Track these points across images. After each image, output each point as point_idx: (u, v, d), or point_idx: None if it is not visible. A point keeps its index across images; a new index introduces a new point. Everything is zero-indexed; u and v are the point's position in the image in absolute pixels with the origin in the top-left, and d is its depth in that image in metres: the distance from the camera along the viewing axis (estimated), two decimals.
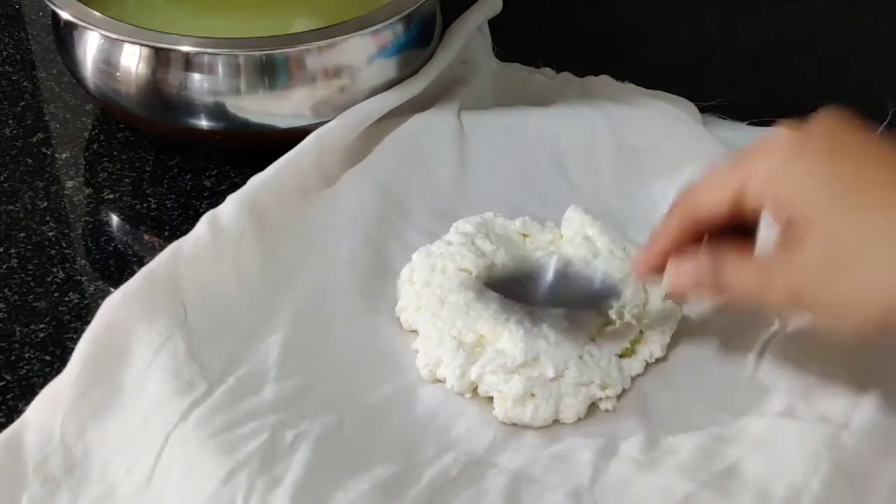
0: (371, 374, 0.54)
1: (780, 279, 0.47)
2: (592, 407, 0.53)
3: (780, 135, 0.48)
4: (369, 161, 0.65)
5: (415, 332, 0.56)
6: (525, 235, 0.60)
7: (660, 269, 0.52)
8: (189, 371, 0.52)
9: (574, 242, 0.59)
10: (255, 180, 0.61)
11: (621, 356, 0.55)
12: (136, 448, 0.50)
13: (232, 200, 0.60)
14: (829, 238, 0.45)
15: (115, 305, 0.54)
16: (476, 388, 0.53)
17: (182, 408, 0.50)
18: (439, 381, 0.54)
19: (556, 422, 0.53)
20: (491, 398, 0.53)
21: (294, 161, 0.63)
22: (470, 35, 0.74)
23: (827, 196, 0.45)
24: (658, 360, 0.55)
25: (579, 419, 0.53)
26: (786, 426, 0.51)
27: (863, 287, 0.44)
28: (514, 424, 0.52)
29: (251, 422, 0.50)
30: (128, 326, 0.53)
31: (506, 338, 0.53)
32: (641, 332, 0.56)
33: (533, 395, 0.52)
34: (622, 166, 0.66)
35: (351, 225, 0.61)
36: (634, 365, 0.55)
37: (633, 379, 0.54)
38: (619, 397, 0.54)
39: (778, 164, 0.47)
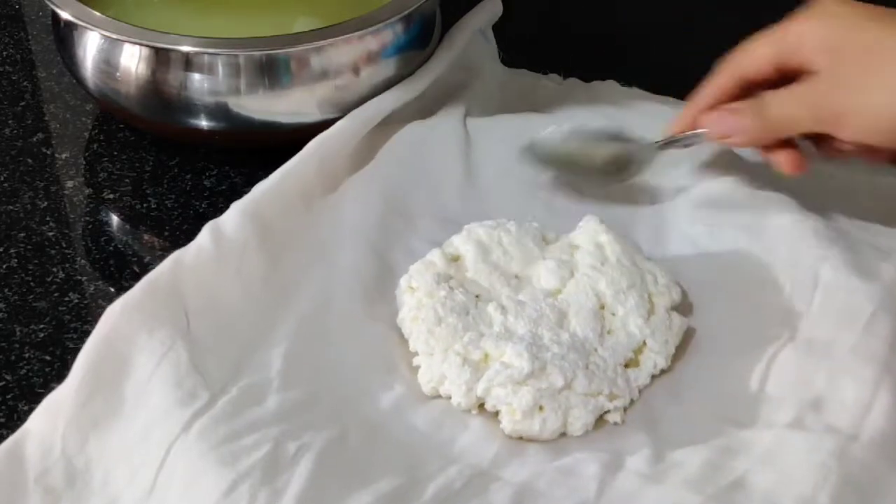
0: (374, 385, 0.53)
1: (818, 88, 0.54)
2: (599, 420, 0.52)
3: (814, 3, 0.55)
4: (373, 168, 0.64)
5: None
6: (546, 241, 0.59)
7: (694, 125, 0.58)
8: (191, 381, 0.51)
9: (586, 250, 0.58)
10: (258, 189, 0.60)
11: (626, 367, 0.54)
12: (137, 459, 0.49)
13: (234, 209, 0.59)
14: (859, 45, 0.53)
15: (116, 315, 0.53)
16: (482, 404, 0.52)
17: (184, 419, 0.49)
18: (441, 397, 0.53)
19: (562, 435, 0.52)
20: (496, 413, 0.52)
21: (296, 169, 0.62)
22: (470, 37, 0.73)
23: (859, 24, 0.53)
24: (664, 372, 0.55)
25: (586, 432, 0.52)
26: (794, 438, 0.50)
27: (889, 82, 0.52)
28: (521, 438, 0.51)
29: (253, 433, 0.49)
30: (129, 336, 0.52)
31: (510, 351, 0.52)
32: (645, 343, 0.55)
33: (541, 407, 0.51)
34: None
35: (355, 233, 0.60)
36: (641, 376, 0.54)
37: (641, 391, 0.54)
38: (625, 410, 0.53)
39: (817, 18, 0.54)
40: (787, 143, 0.58)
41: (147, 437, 0.49)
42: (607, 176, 0.62)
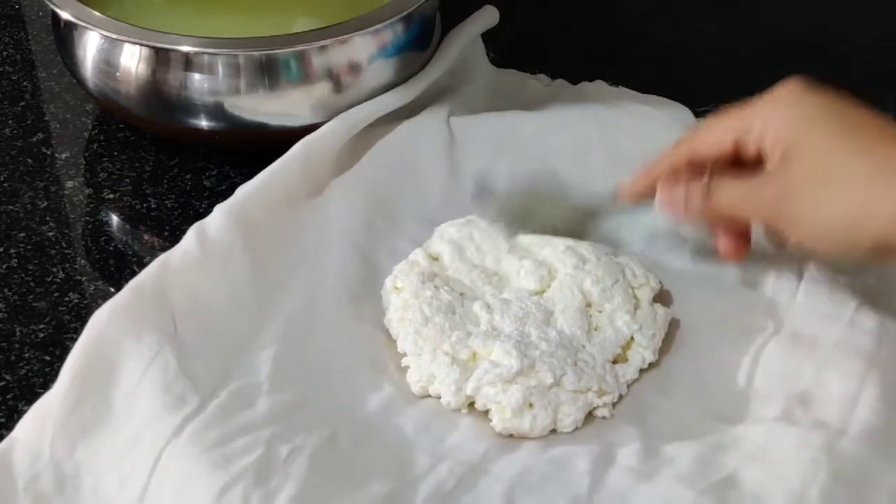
0: (364, 386, 0.53)
1: (768, 190, 0.51)
2: (588, 416, 0.52)
3: (781, 87, 0.53)
4: (358, 169, 0.64)
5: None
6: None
7: (646, 194, 0.57)
8: (180, 386, 0.50)
9: (556, 253, 0.58)
10: (242, 191, 0.60)
11: (614, 362, 0.54)
12: (128, 465, 0.49)
13: (219, 211, 0.58)
14: (816, 153, 0.50)
15: (103, 320, 0.52)
16: (471, 402, 0.52)
17: (174, 423, 0.49)
18: (431, 396, 0.53)
19: (552, 432, 0.52)
20: (486, 411, 0.52)
21: (281, 170, 0.61)
22: (465, 45, 0.72)
23: (820, 125, 0.51)
24: (652, 366, 0.55)
25: (576, 428, 0.52)
26: (783, 433, 0.50)
27: (841, 198, 0.49)
28: (511, 436, 0.51)
29: (245, 436, 0.49)
30: (117, 341, 0.52)
31: (498, 349, 0.52)
32: (632, 338, 0.55)
33: (531, 404, 0.51)
34: (615, 173, 0.63)
35: (340, 234, 0.60)
36: (629, 371, 0.54)
37: (629, 386, 0.54)
38: (614, 405, 0.53)
39: (781, 108, 0.52)
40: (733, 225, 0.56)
41: (137, 443, 0.49)
42: (565, 233, 0.60)
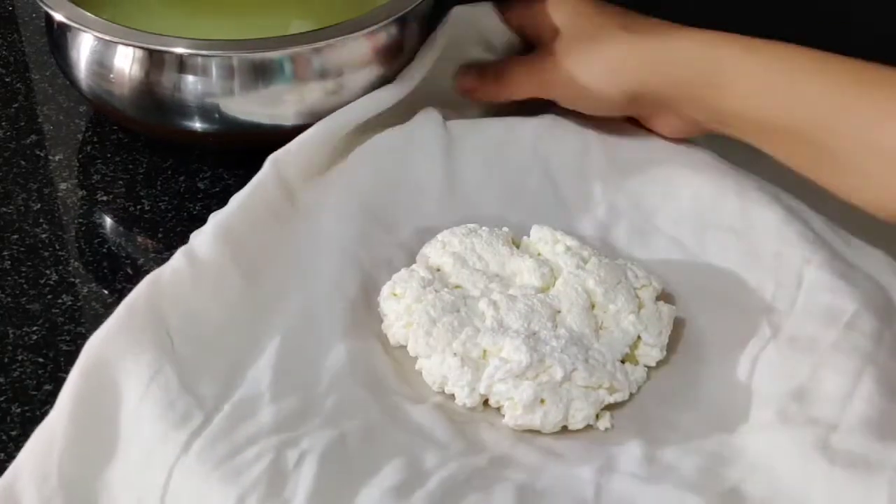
0: (363, 392, 0.53)
1: (547, 60, 0.65)
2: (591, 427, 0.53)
3: None
4: (352, 175, 0.63)
5: (403, 346, 0.55)
6: (516, 244, 0.60)
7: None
8: (183, 402, 0.50)
9: (556, 253, 0.58)
10: (231, 205, 0.59)
11: (622, 362, 0.54)
12: (140, 486, 0.48)
13: (209, 227, 0.57)
14: (579, 25, 0.64)
15: (99, 342, 0.51)
16: (486, 400, 0.53)
17: (181, 440, 0.48)
18: (443, 394, 0.53)
19: (563, 428, 0.52)
20: (497, 408, 0.53)
21: (267, 180, 0.60)
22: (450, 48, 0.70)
23: (574, 24, 0.64)
24: (660, 364, 0.55)
25: (588, 425, 0.52)
26: (781, 438, 0.50)
27: (600, 56, 0.63)
28: (517, 435, 0.52)
29: (252, 446, 0.48)
30: (115, 362, 0.51)
31: (507, 345, 0.52)
32: (639, 338, 0.55)
33: (543, 400, 0.51)
34: (613, 181, 0.64)
35: (334, 242, 0.59)
36: (637, 371, 0.54)
37: (640, 387, 0.54)
38: (618, 405, 0.53)
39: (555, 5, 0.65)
40: None
41: (146, 463, 0.48)
42: None
